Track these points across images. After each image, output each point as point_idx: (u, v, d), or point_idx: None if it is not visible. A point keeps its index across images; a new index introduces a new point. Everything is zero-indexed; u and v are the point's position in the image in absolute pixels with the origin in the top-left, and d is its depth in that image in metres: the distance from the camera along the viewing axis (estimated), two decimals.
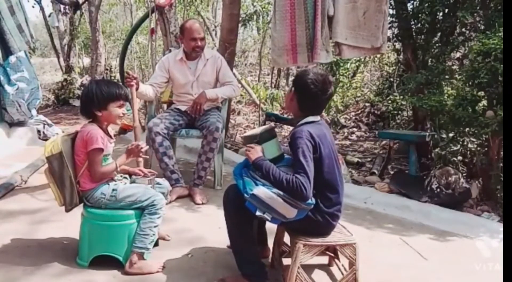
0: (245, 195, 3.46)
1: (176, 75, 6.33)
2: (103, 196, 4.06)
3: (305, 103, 3.71)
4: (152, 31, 8.77)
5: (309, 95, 3.66)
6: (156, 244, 4.38)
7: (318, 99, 3.68)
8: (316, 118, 3.71)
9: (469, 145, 6.63)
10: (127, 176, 4.37)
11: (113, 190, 4.09)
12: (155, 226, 4.12)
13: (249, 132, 3.92)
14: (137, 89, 5.42)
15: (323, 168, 3.56)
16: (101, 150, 4.02)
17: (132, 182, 4.29)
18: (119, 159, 4.24)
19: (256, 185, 3.48)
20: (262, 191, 3.42)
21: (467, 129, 6.45)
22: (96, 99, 4.04)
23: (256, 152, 3.64)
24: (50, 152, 3.98)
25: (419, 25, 7.77)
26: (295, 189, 3.36)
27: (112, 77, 16.44)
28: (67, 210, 4.15)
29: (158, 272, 4.05)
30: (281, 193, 3.40)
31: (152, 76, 6.60)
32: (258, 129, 3.87)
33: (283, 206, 3.38)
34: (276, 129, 4.14)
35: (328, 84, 3.69)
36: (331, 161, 3.62)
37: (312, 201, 3.47)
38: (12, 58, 8.68)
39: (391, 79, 11.20)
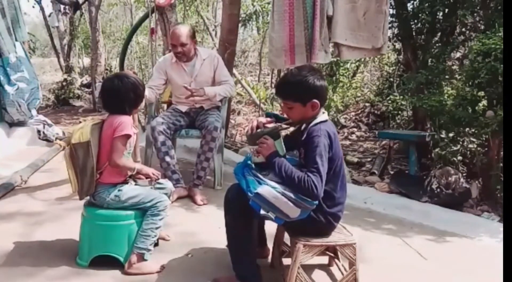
0: (249, 193, 3.42)
1: (174, 77, 6.33)
2: (107, 195, 4.05)
3: (326, 97, 3.74)
4: (152, 31, 8.77)
5: (326, 88, 3.67)
6: (156, 244, 4.37)
7: (327, 87, 3.70)
8: (326, 117, 3.68)
9: (469, 145, 6.64)
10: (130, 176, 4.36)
11: (118, 190, 4.08)
12: (157, 227, 4.12)
13: (255, 131, 3.87)
14: None
15: (333, 167, 3.54)
16: (129, 136, 4.03)
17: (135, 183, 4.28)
18: (137, 164, 4.26)
19: (260, 184, 3.47)
20: (267, 190, 3.39)
21: (467, 129, 6.46)
22: (133, 99, 4.09)
23: (269, 146, 3.61)
24: (78, 139, 3.93)
25: (419, 25, 7.79)
26: (306, 187, 3.32)
27: None
28: (81, 198, 4.15)
29: (157, 272, 4.04)
30: (286, 192, 3.38)
31: (151, 79, 6.61)
32: (265, 130, 3.82)
33: (287, 205, 3.36)
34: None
35: (317, 68, 3.73)
36: (340, 161, 3.61)
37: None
38: (12, 58, 8.69)
39: (391, 79, 11.20)
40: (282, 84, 3.85)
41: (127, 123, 4.00)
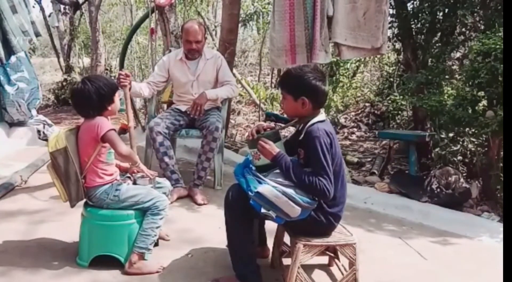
0: (250, 193, 3.43)
1: (176, 75, 6.33)
2: (106, 195, 4.05)
3: (319, 100, 3.68)
4: (152, 31, 8.77)
5: (321, 91, 3.63)
6: (156, 244, 4.37)
7: (326, 90, 3.69)
8: (323, 117, 3.68)
9: (469, 145, 6.64)
10: (130, 175, 4.36)
11: (116, 190, 4.08)
12: (157, 227, 4.12)
13: (255, 136, 3.86)
14: (129, 88, 5.40)
15: (333, 166, 3.53)
16: (115, 130, 4.04)
17: (133, 182, 4.27)
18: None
19: (260, 183, 3.47)
20: (267, 188, 3.39)
21: (467, 129, 6.46)
22: (106, 93, 4.03)
23: (271, 149, 3.60)
24: (55, 147, 3.93)
25: (419, 25, 7.80)
26: (319, 190, 3.37)
27: (112, 77, 16.43)
28: (73, 205, 4.13)
29: (157, 272, 4.04)
30: (286, 191, 3.39)
31: (151, 74, 6.61)
32: (265, 133, 3.81)
33: (287, 204, 3.36)
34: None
35: (323, 72, 3.72)
36: (339, 160, 3.61)
37: (315, 200, 3.47)
38: (12, 58, 8.67)
39: (391, 79, 11.21)
40: (284, 74, 3.93)
41: (104, 122, 4.01)
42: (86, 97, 4.00)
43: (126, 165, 4.36)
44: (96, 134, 3.96)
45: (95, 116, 4.06)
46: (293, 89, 3.68)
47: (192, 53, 6.22)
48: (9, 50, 8.49)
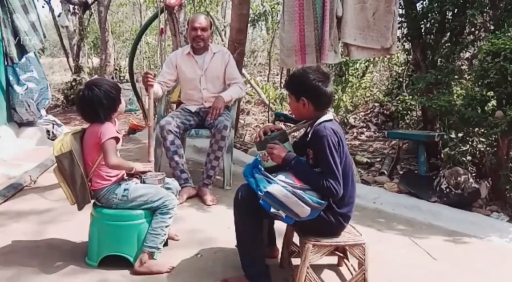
0: (259, 192, 3.43)
1: (184, 70, 6.34)
2: (114, 196, 4.07)
3: (320, 101, 3.67)
4: (161, 31, 8.78)
5: (322, 92, 3.63)
6: (165, 244, 4.37)
7: (329, 91, 3.67)
8: (330, 116, 3.69)
9: (478, 145, 6.61)
10: (137, 176, 4.36)
11: (125, 189, 4.09)
12: (166, 226, 4.13)
13: (263, 138, 3.86)
14: None
15: (341, 166, 3.53)
16: (118, 139, 4.05)
17: (143, 182, 4.27)
18: (136, 163, 4.30)
19: (270, 183, 3.47)
20: (277, 188, 3.39)
21: (476, 129, 6.43)
22: (115, 95, 4.06)
23: (280, 151, 3.61)
24: (60, 151, 3.95)
25: (428, 24, 7.77)
26: (326, 190, 3.40)
27: (122, 77, 16.48)
28: (80, 208, 4.15)
29: (167, 272, 4.05)
30: (296, 191, 3.39)
31: (160, 74, 6.61)
32: (272, 134, 3.82)
33: (297, 204, 3.36)
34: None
35: (326, 73, 3.71)
36: (347, 160, 3.60)
37: (325, 200, 3.47)
38: (22, 58, 8.70)
39: (400, 79, 11.18)
40: (289, 76, 3.99)
41: (108, 129, 4.02)
42: (96, 103, 4.00)
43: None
44: (99, 139, 3.99)
45: (105, 120, 4.08)
46: (295, 90, 3.74)
47: (198, 41, 6.22)
48: (22, 50, 8.53)
